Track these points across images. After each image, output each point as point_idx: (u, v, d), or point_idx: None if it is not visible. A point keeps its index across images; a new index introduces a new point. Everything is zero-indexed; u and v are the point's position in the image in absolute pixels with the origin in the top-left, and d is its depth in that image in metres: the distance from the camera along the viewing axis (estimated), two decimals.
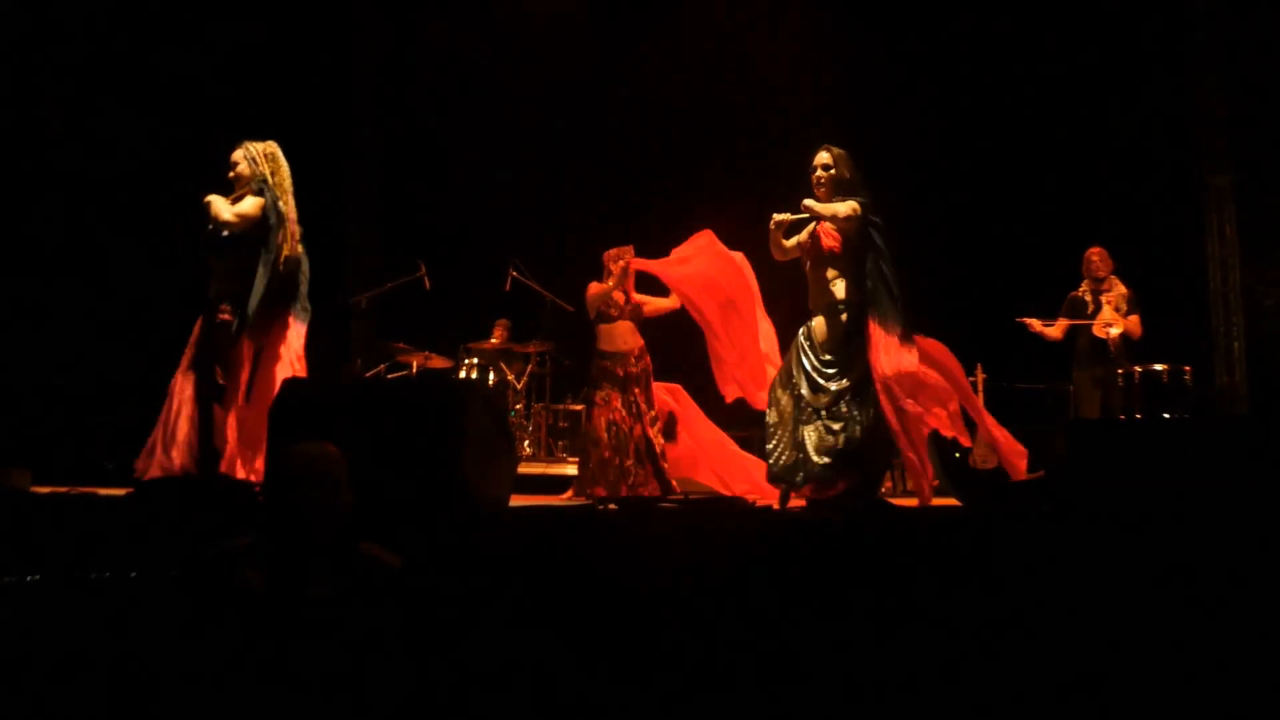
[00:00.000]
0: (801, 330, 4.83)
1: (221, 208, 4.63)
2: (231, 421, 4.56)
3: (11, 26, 7.28)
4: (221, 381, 4.58)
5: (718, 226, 5.88)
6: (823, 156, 4.84)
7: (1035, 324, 6.64)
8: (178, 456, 4.43)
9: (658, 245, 6.29)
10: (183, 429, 4.48)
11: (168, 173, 7.33)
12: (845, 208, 4.68)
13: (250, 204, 4.66)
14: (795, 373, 4.75)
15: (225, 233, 4.60)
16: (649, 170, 9.55)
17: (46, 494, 4.01)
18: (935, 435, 4.94)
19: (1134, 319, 6.44)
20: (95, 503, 3.76)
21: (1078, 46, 8.61)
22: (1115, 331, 6.39)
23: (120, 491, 4.15)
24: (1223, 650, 2.78)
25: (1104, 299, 6.49)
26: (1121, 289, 6.52)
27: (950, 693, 2.75)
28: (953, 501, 5.56)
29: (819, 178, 4.81)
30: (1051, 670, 2.77)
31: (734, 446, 6.36)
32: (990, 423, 5.00)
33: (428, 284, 7.75)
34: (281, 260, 4.71)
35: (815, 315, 4.78)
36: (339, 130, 9.23)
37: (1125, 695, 2.72)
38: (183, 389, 4.56)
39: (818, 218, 4.73)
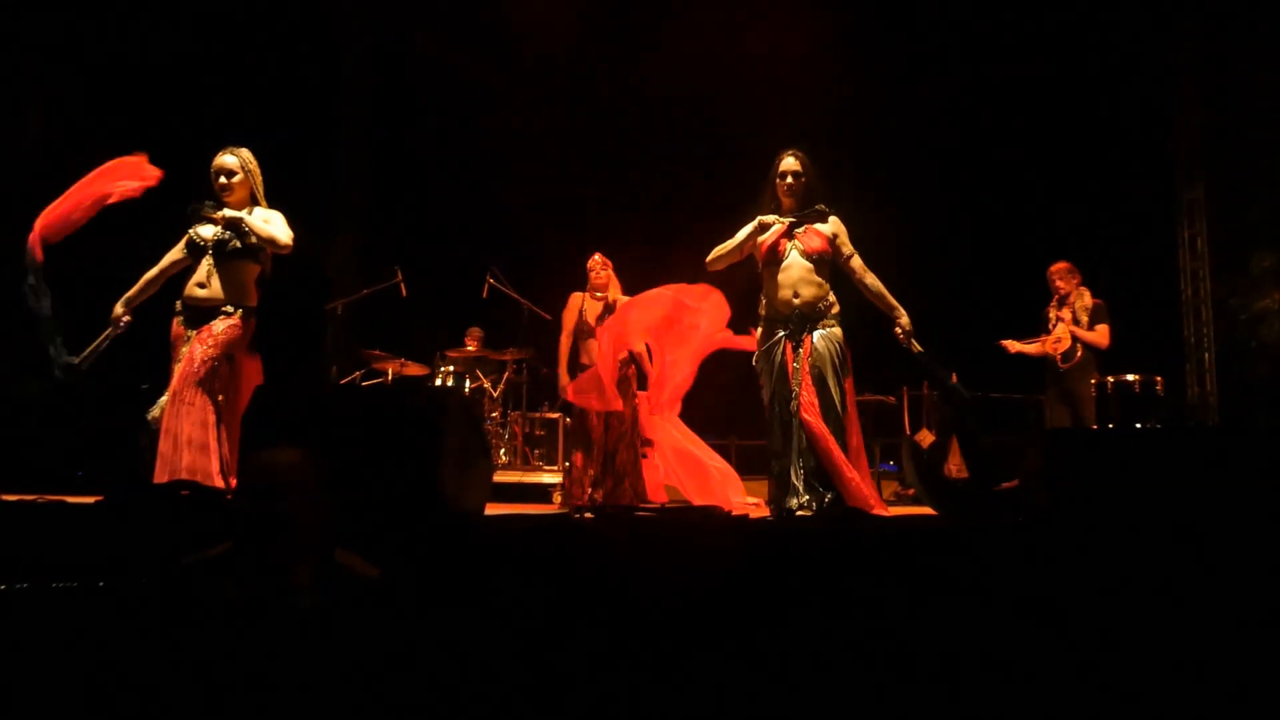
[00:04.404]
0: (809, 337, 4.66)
1: (285, 231, 4.65)
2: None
3: None
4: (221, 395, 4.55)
5: (695, 234, 5.85)
6: (791, 163, 4.78)
7: (1013, 345, 6.78)
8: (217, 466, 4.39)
9: (634, 254, 6.29)
10: (215, 441, 4.44)
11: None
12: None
13: (285, 226, 4.69)
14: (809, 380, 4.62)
15: (240, 245, 4.62)
16: (627, 178, 9.56)
17: (13, 501, 3.94)
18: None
19: (1101, 329, 6.49)
20: (64, 511, 3.70)
21: (1054, 62, 8.70)
22: (1062, 346, 6.54)
23: (90, 499, 4.09)
24: (1196, 656, 2.80)
25: (1059, 313, 6.60)
26: (1087, 300, 6.59)
27: (925, 701, 2.75)
28: (929, 511, 5.58)
29: (790, 185, 4.77)
30: (1027, 678, 2.78)
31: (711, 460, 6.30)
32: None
33: (404, 291, 7.72)
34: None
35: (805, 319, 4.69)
36: (318, 137, 9.19)
37: (1100, 703, 2.73)
38: (206, 402, 4.47)
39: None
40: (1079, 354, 6.53)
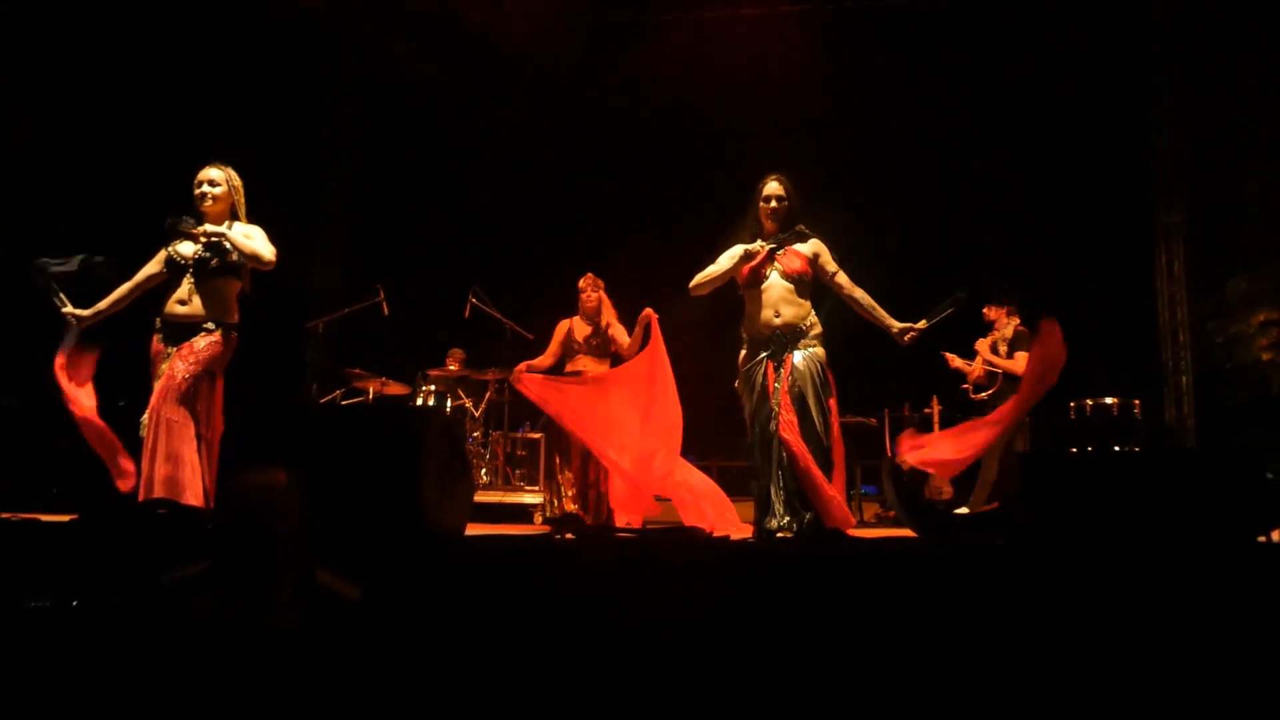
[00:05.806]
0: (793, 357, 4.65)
1: (267, 248, 4.61)
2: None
3: None
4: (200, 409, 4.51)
5: (677, 255, 5.83)
6: (774, 186, 4.81)
7: (953, 360, 6.99)
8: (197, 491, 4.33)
9: (619, 273, 6.30)
10: (196, 459, 4.38)
11: (131, 195, 7.24)
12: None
13: (266, 242, 4.66)
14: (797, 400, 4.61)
15: (222, 262, 4.57)
16: (610, 197, 9.58)
17: None
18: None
19: (1020, 357, 6.55)
20: (39, 529, 3.66)
21: (1033, 86, 8.80)
22: (973, 374, 6.85)
23: (65, 517, 4.04)
24: (1170, 679, 2.81)
25: (978, 344, 6.84)
26: (1008, 331, 6.76)
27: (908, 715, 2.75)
28: (908, 533, 5.58)
29: (773, 208, 4.79)
30: (1006, 702, 2.78)
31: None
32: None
33: (386, 309, 7.69)
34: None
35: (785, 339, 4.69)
36: (302, 154, 9.18)
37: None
38: (186, 420, 4.42)
39: None
40: (998, 382, 6.64)
